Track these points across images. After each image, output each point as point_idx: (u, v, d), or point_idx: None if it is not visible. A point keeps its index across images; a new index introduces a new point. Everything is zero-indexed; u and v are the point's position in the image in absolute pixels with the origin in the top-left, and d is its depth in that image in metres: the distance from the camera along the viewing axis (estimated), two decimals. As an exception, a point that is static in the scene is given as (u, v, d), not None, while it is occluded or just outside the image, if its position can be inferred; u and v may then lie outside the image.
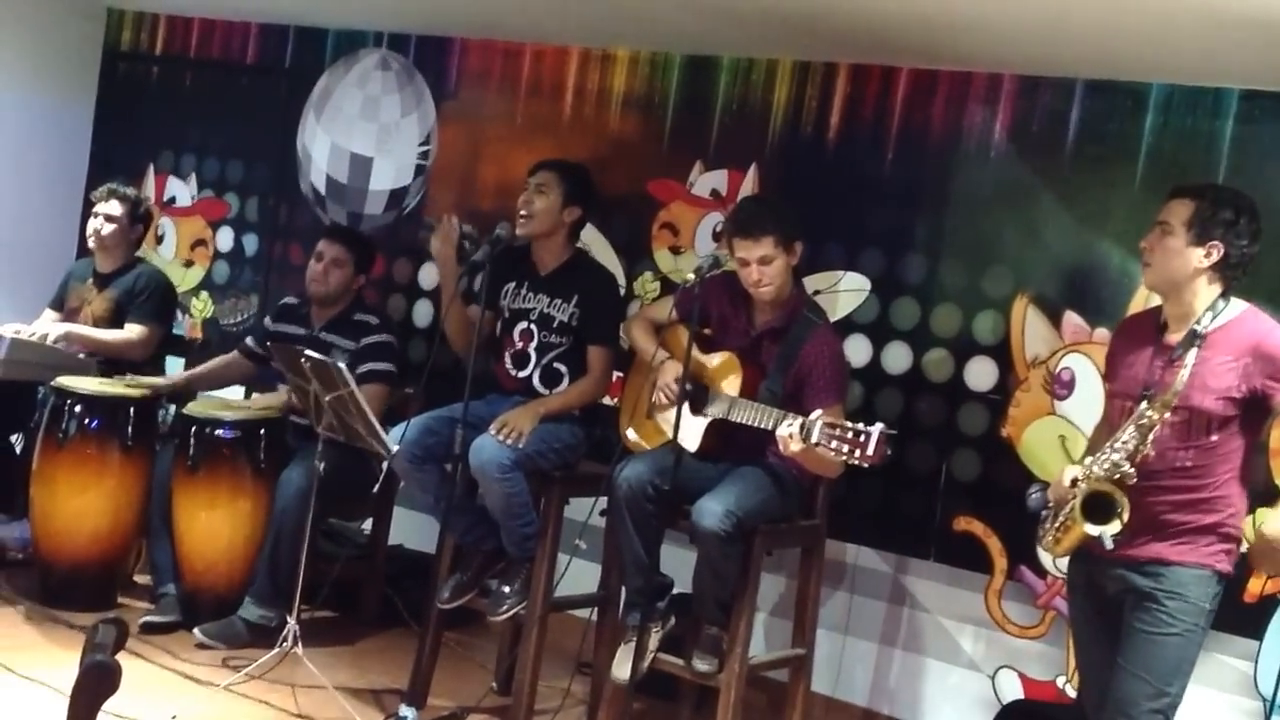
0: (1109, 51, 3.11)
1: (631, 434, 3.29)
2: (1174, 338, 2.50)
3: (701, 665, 3.07)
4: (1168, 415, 2.40)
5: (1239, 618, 3.11)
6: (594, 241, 4.05)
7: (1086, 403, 3.24)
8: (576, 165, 3.49)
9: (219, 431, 3.70)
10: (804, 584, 3.34)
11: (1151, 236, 2.52)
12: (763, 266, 3.04)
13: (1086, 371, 3.30)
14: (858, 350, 3.61)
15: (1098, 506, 2.42)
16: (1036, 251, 3.42)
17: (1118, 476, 2.41)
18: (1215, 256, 2.45)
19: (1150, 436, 2.40)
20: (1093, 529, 2.41)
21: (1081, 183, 3.38)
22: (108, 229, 4.15)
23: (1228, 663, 3.12)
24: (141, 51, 5.04)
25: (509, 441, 3.19)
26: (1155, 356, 2.51)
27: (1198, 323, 2.45)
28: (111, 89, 5.10)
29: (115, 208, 4.15)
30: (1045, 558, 3.29)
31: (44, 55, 4.91)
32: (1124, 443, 2.42)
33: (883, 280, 3.63)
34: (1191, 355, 2.40)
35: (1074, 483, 2.48)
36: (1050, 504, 2.59)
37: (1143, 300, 3.25)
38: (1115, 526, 2.39)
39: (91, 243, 4.22)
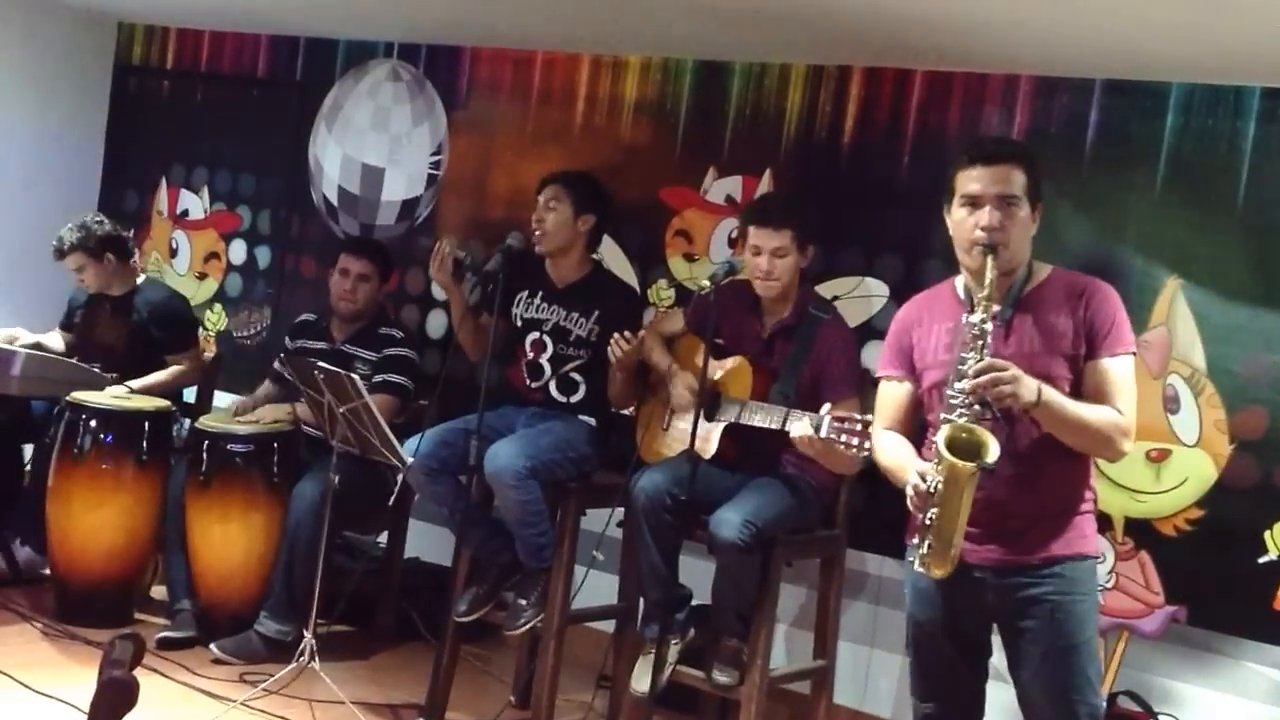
0: (1128, 51, 3.07)
1: (654, 445, 3.27)
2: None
3: (722, 678, 3.04)
4: (992, 324, 2.18)
5: (1269, 625, 3.07)
6: (607, 249, 4.02)
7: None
8: (582, 173, 3.48)
9: (232, 445, 3.68)
10: (825, 595, 3.31)
11: (989, 214, 2.26)
12: (775, 259, 3.07)
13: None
14: (876, 357, 3.56)
15: (960, 454, 2.16)
16: (1055, 255, 3.33)
17: (976, 407, 2.16)
18: (1038, 218, 2.34)
19: (985, 347, 2.17)
20: (972, 464, 2.13)
21: (1101, 185, 3.33)
22: (85, 278, 4.10)
23: (1258, 671, 3.07)
24: (152, 65, 5.04)
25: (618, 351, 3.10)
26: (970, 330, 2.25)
27: (1020, 284, 2.30)
28: (123, 103, 5.10)
29: (71, 260, 4.06)
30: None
31: (55, 70, 4.92)
32: (967, 370, 2.17)
33: (901, 285, 3.58)
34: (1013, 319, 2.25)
35: (923, 477, 2.20)
36: (916, 512, 2.25)
37: (1167, 302, 3.22)
38: (994, 452, 2.13)
39: None
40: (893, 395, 2.47)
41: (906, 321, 2.48)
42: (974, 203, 2.29)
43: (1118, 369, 2.28)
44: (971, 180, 2.30)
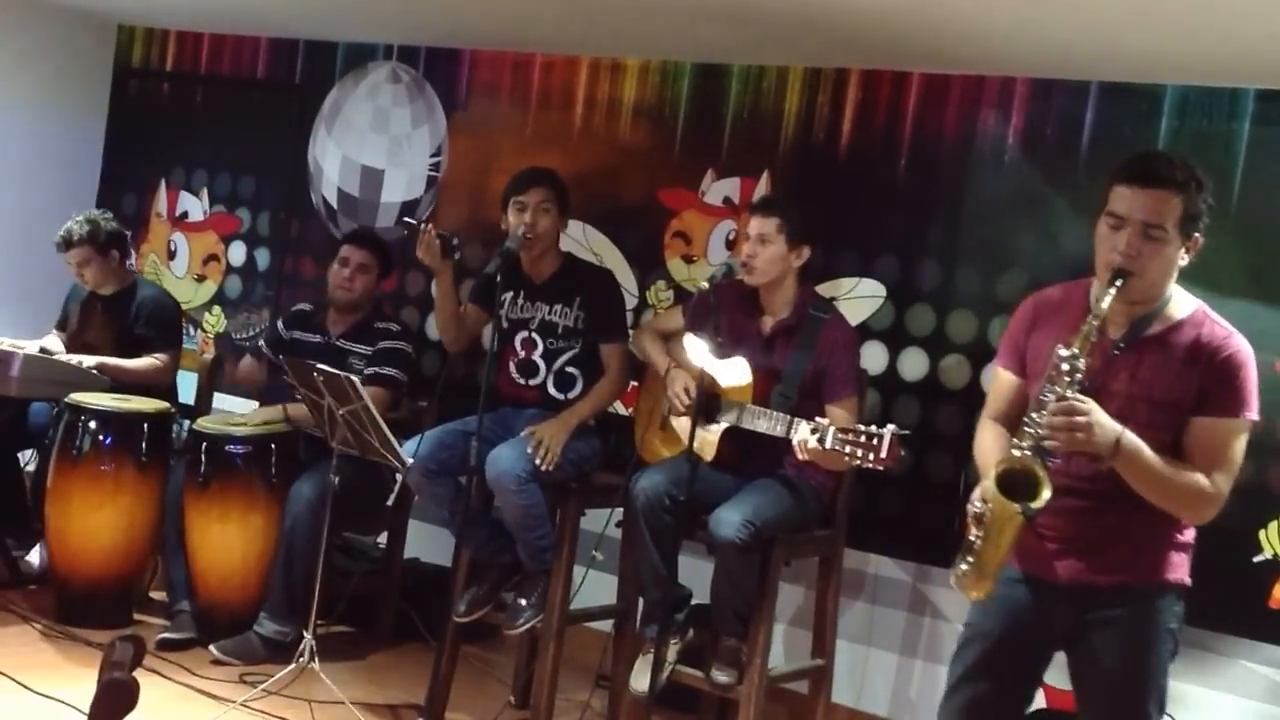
0: (1123, 53, 3.09)
1: (653, 445, 3.28)
2: (1116, 330, 2.18)
3: (721, 677, 3.05)
4: (1113, 354, 2.10)
5: (1266, 624, 3.09)
6: (606, 251, 4.04)
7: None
8: (557, 173, 3.48)
9: (230, 446, 3.69)
10: (823, 594, 3.32)
11: (1126, 239, 2.11)
12: (758, 245, 3.11)
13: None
14: (874, 357, 3.59)
15: (1015, 488, 2.08)
16: (1052, 256, 3.40)
17: (1036, 446, 2.07)
18: (1193, 252, 2.17)
19: (1074, 386, 2.06)
20: (1018, 505, 2.06)
21: (1097, 186, 3.27)
22: (85, 274, 4.10)
23: (1254, 669, 3.09)
24: (152, 68, 5.05)
25: (546, 467, 3.18)
26: (1092, 350, 2.14)
27: (1151, 318, 2.16)
28: (123, 105, 5.11)
29: (76, 254, 4.06)
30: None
31: (55, 73, 4.93)
32: (1047, 404, 2.06)
33: (898, 287, 3.61)
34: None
35: (984, 499, 2.13)
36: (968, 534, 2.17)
37: (1162, 303, 3.23)
38: (1044, 497, 2.05)
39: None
40: (1003, 386, 2.33)
41: (1027, 319, 2.32)
42: (1118, 223, 2.13)
43: (1219, 432, 2.13)
44: (1122, 198, 2.14)
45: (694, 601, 3.21)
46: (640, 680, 3.06)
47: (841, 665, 3.43)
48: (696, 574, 3.17)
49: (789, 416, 2.92)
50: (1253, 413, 2.17)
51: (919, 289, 3.58)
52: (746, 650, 3.05)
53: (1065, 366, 2.07)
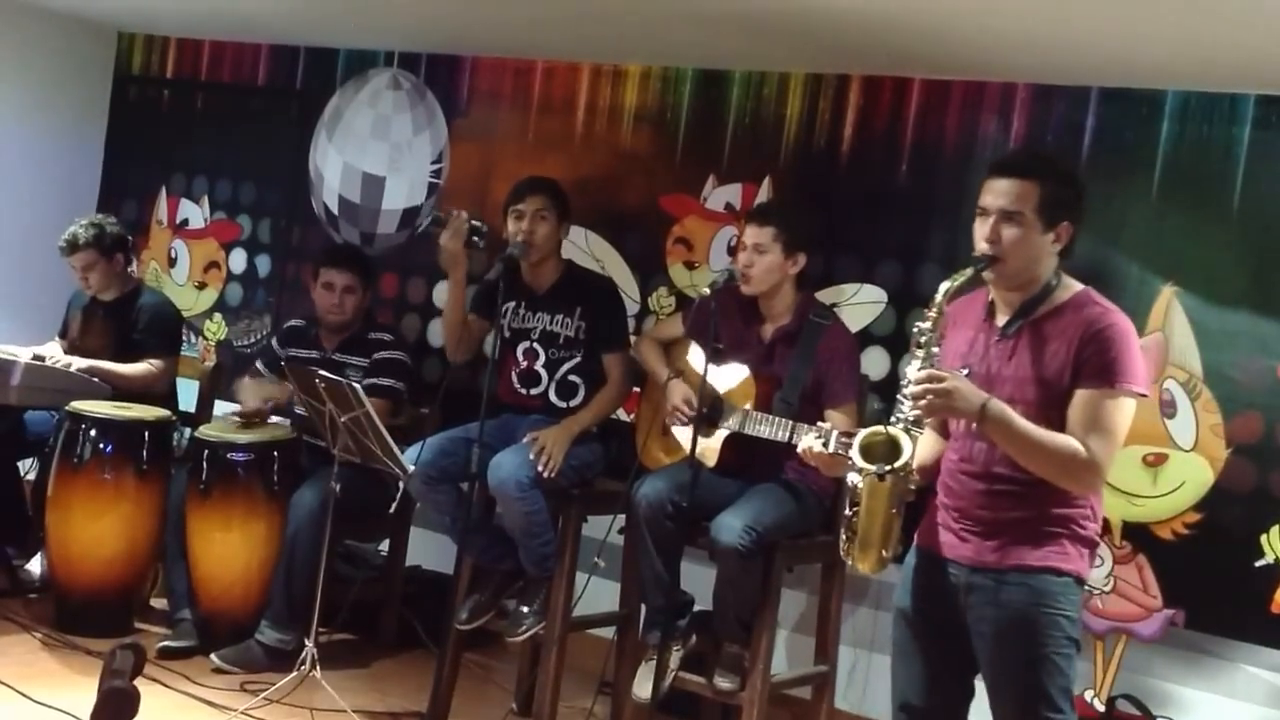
0: (1123, 59, 3.09)
1: (654, 452, 3.28)
2: (1003, 317, 2.30)
3: (723, 683, 3.05)
4: (998, 339, 2.23)
5: (1266, 628, 3.08)
6: (608, 257, 4.05)
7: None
8: (554, 180, 3.50)
9: (232, 454, 3.68)
10: (825, 600, 3.32)
11: (988, 226, 2.24)
12: (754, 254, 3.11)
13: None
14: (875, 363, 3.59)
15: (878, 456, 2.21)
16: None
17: (902, 419, 2.18)
18: (1065, 240, 2.27)
19: (931, 356, 2.19)
20: (873, 467, 2.18)
21: (1097, 192, 3.32)
22: (90, 278, 4.10)
23: (1257, 675, 3.09)
24: (152, 75, 5.05)
25: (548, 473, 3.18)
26: (985, 340, 2.29)
27: (1035, 304, 2.25)
28: (123, 112, 5.11)
29: (81, 258, 4.05)
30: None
31: (55, 80, 4.93)
32: (909, 375, 2.19)
33: (899, 292, 3.61)
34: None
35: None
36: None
37: (1163, 308, 3.24)
38: (898, 460, 2.17)
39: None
40: None
41: (945, 323, 2.39)
42: (982, 212, 2.28)
43: (1094, 400, 2.18)
44: (985, 190, 2.29)
45: (696, 608, 3.21)
46: (643, 687, 3.06)
47: (844, 670, 3.43)
48: (698, 580, 3.16)
49: (790, 422, 2.92)
50: (1134, 385, 2.20)
51: (920, 294, 3.58)
52: (749, 656, 3.05)
53: (921, 338, 2.21)
